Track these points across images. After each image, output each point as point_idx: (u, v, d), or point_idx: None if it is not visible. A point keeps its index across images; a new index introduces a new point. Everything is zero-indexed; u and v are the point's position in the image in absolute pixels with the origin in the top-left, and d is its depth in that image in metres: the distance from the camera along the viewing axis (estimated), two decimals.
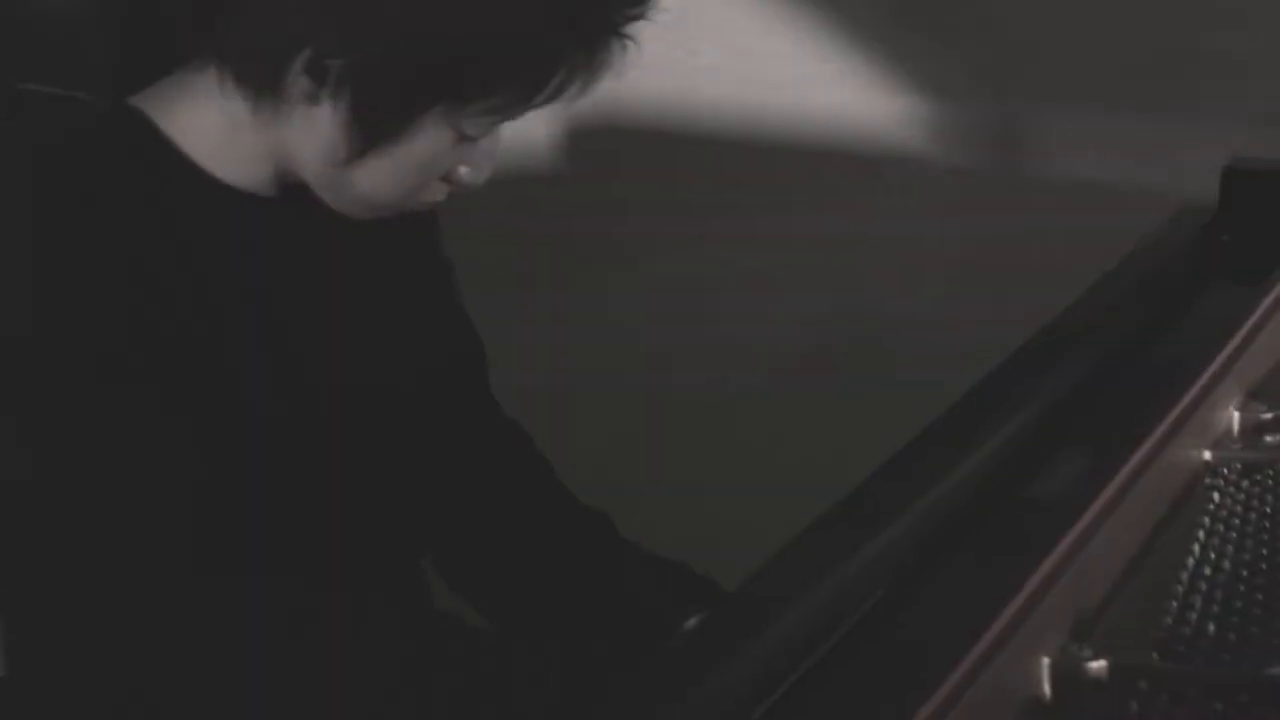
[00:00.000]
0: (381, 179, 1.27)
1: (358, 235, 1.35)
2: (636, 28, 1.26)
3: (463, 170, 1.30)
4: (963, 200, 2.78)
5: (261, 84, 1.25)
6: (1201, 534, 1.20)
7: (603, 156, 2.64)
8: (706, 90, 2.68)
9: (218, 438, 1.25)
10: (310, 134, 1.26)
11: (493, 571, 1.51)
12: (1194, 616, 1.09)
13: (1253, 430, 1.38)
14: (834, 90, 2.76)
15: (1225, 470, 1.30)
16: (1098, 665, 1.02)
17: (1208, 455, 1.32)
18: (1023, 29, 2.73)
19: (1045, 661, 1.01)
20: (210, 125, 1.29)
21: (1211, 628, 1.08)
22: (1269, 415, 1.38)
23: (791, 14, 2.75)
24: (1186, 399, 1.30)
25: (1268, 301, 1.52)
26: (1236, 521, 1.23)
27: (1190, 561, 1.16)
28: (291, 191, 1.32)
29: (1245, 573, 1.16)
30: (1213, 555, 1.18)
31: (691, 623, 1.37)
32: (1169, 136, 2.65)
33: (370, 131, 1.24)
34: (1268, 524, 1.23)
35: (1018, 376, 1.34)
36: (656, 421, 2.64)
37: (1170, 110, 2.65)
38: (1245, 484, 1.29)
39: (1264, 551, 1.19)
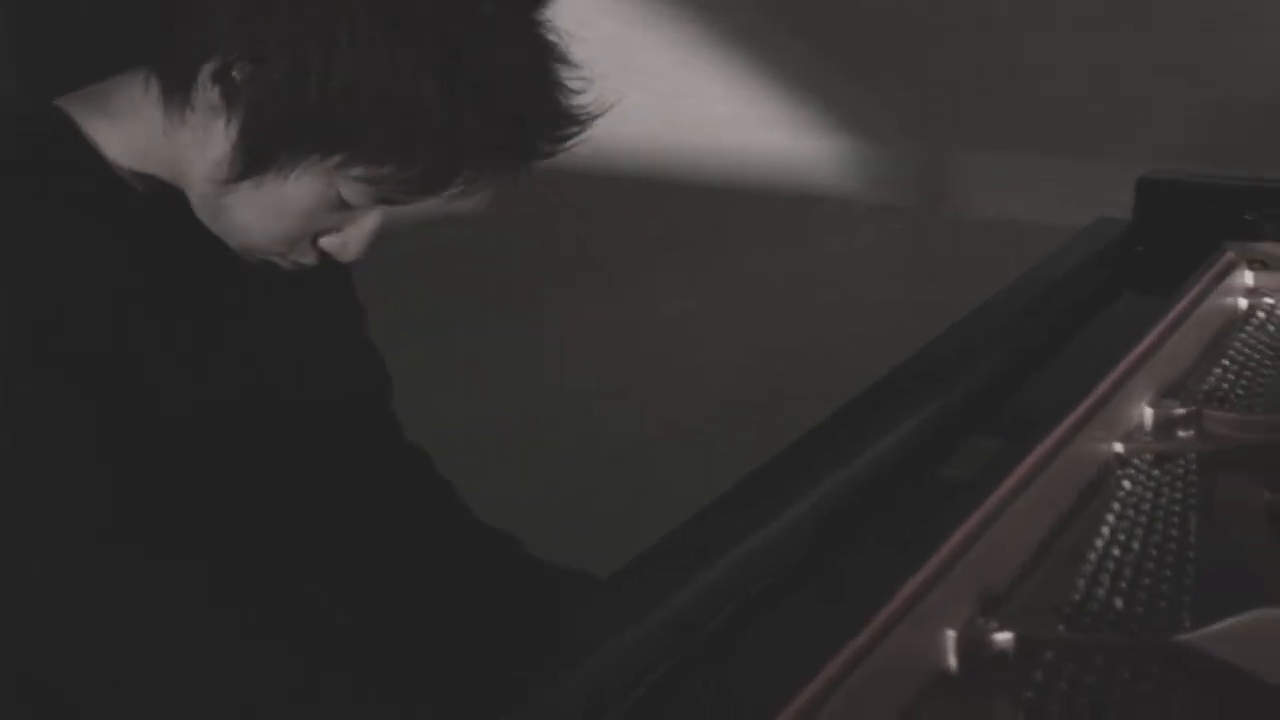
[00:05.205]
0: (254, 214, 1.25)
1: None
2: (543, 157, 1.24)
3: (331, 238, 1.27)
4: (890, 237, 2.80)
5: (174, 86, 1.23)
6: (1111, 518, 1.20)
7: (530, 200, 2.62)
8: (635, 132, 2.68)
9: (124, 440, 1.23)
10: (204, 146, 1.23)
11: (394, 594, 1.49)
12: (1102, 592, 1.09)
13: (1165, 425, 1.38)
14: (762, 131, 2.77)
15: (1137, 461, 1.30)
16: (1003, 637, 1.01)
17: (1119, 448, 1.31)
18: (945, 73, 2.76)
19: (951, 634, 1.00)
20: (130, 132, 1.28)
21: (1119, 602, 1.08)
22: (1181, 411, 1.38)
23: (719, 56, 2.76)
24: (1097, 392, 1.31)
25: (1181, 305, 1.53)
26: (1147, 507, 1.23)
27: (1099, 543, 1.16)
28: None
29: (1154, 552, 1.15)
30: (1122, 537, 1.17)
31: None
32: (1084, 174, 2.68)
33: (255, 154, 1.21)
34: (1177, 509, 1.23)
35: (933, 367, 1.34)
36: (591, 462, 2.63)
37: (1085, 150, 2.68)
38: (1156, 473, 1.29)
39: (1173, 533, 1.18)
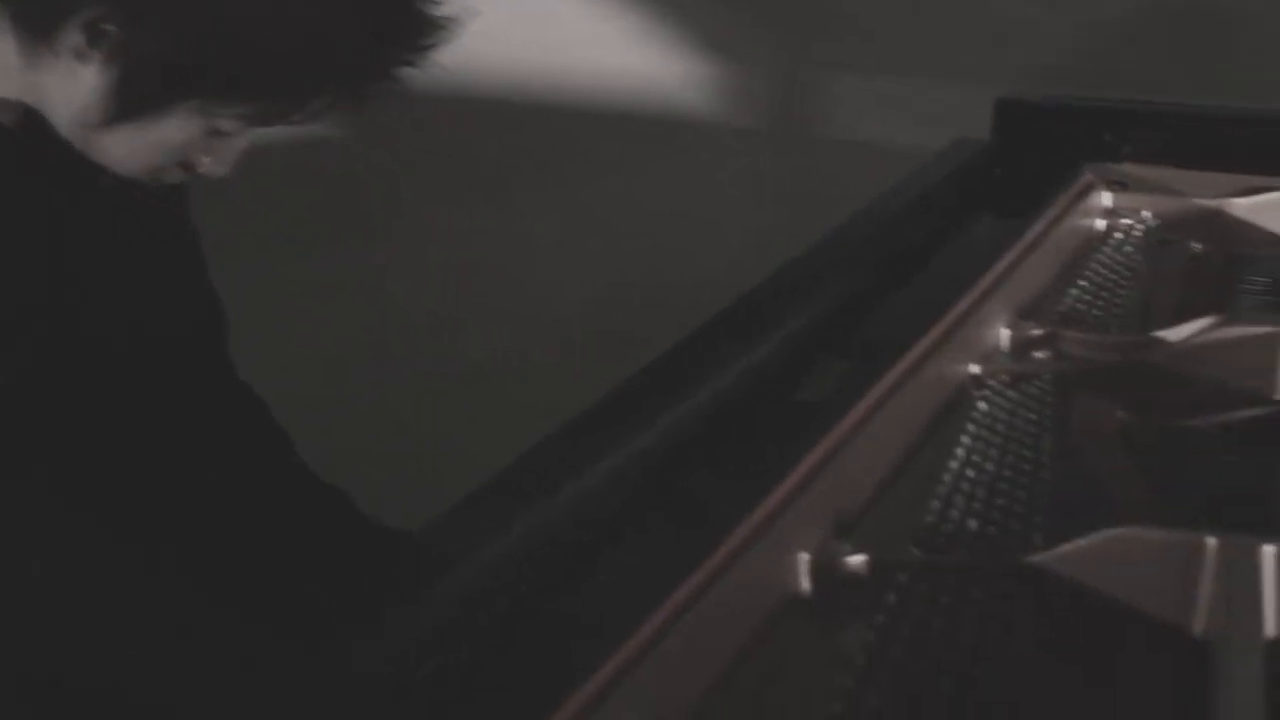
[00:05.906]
0: (125, 150, 1.25)
1: (107, 189, 1.31)
2: (406, 72, 1.26)
3: (205, 160, 1.28)
4: (753, 160, 2.78)
5: (34, 28, 1.20)
6: (966, 439, 1.19)
7: (383, 121, 2.56)
8: (488, 53, 2.63)
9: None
10: (69, 89, 1.22)
11: (222, 542, 1.46)
12: (955, 514, 1.08)
13: (1022, 347, 1.37)
14: (624, 52, 2.73)
15: (993, 382, 1.30)
16: (857, 560, 1.00)
17: (976, 369, 1.31)
18: None
19: (804, 557, 0.99)
20: None
21: (973, 524, 1.07)
22: (1038, 332, 1.38)
23: None
24: (954, 314, 1.30)
25: (1039, 226, 1.53)
26: (1001, 428, 1.22)
27: (954, 464, 1.15)
28: (46, 134, 1.27)
29: (1008, 473, 1.15)
30: (976, 458, 1.17)
31: None
32: (945, 96, 2.67)
33: (126, 105, 1.21)
34: (1032, 429, 1.23)
35: (787, 290, 1.33)
36: (443, 388, 2.60)
37: (946, 72, 2.67)
38: (1012, 394, 1.28)
39: (1027, 454, 1.18)
